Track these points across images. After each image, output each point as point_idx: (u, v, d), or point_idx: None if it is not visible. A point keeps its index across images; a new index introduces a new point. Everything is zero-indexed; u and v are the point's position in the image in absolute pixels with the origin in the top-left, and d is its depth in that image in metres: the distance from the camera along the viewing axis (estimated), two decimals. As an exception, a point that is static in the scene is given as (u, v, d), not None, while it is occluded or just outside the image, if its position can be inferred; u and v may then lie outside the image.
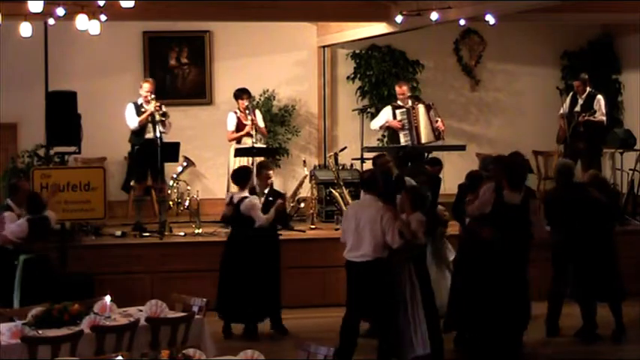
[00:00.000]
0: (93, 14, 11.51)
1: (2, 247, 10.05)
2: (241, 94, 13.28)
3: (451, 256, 11.14)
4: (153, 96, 12.71)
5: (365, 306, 9.32)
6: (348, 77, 15.65)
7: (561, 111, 13.94)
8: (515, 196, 9.51)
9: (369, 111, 14.64)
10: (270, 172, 10.97)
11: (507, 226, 9.43)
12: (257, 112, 13.53)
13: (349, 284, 9.48)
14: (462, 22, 12.89)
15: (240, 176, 10.83)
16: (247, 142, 13.04)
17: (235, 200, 10.60)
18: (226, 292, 10.50)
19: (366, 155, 13.30)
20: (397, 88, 13.75)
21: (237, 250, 10.56)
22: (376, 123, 13.73)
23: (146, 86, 12.75)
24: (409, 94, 13.78)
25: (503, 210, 9.45)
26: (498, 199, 9.47)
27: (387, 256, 9.23)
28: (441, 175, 11.51)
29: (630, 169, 14.10)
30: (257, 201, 10.58)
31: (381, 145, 14.66)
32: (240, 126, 13.25)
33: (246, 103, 13.21)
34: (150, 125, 12.55)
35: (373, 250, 9.18)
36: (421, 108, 13.46)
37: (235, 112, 13.35)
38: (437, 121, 13.47)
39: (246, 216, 10.45)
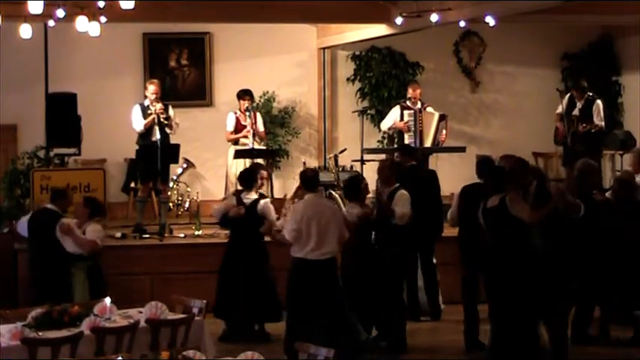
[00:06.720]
0: (93, 16, 11.55)
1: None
2: (243, 95, 13.28)
3: None
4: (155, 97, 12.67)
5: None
6: (348, 79, 15.65)
7: (559, 110, 13.62)
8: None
9: (369, 112, 14.64)
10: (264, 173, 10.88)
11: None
12: (258, 115, 13.54)
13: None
14: (462, 23, 12.86)
15: (248, 177, 10.71)
16: (246, 144, 13.04)
17: (247, 201, 10.41)
18: (227, 295, 10.44)
19: (366, 157, 13.30)
20: (410, 90, 13.61)
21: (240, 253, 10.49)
22: (385, 124, 13.69)
23: (152, 88, 12.62)
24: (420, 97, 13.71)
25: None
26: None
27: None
28: None
29: (630, 171, 14.08)
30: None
31: (381, 146, 14.66)
32: (238, 127, 13.26)
33: (246, 104, 13.20)
34: (156, 127, 12.49)
35: None
36: (436, 115, 13.42)
37: (235, 113, 13.36)
38: (442, 134, 13.43)
39: (259, 217, 10.32)
